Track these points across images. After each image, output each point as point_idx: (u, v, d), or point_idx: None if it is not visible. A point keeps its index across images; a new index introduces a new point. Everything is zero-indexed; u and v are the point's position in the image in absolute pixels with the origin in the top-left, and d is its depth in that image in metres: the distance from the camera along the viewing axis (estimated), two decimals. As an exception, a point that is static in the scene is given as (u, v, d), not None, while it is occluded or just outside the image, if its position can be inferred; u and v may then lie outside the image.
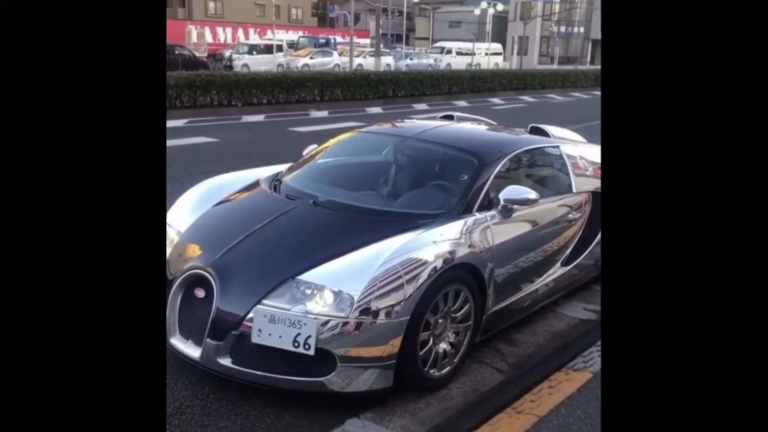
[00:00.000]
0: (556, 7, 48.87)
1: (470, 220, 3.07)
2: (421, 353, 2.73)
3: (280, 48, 29.23)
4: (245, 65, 25.71)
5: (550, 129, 4.37)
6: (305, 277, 2.63)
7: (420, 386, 2.82)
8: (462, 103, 17.87)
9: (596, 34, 52.87)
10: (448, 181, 3.49)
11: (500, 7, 40.48)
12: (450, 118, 4.66)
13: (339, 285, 2.57)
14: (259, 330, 2.51)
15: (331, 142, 4.15)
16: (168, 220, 3.35)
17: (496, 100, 19.45)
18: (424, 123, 4.26)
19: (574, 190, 3.88)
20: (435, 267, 2.69)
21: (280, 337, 2.49)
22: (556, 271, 3.71)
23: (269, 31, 32.45)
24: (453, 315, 2.87)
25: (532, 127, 4.39)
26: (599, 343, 3.30)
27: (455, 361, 2.94)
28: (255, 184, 3.67)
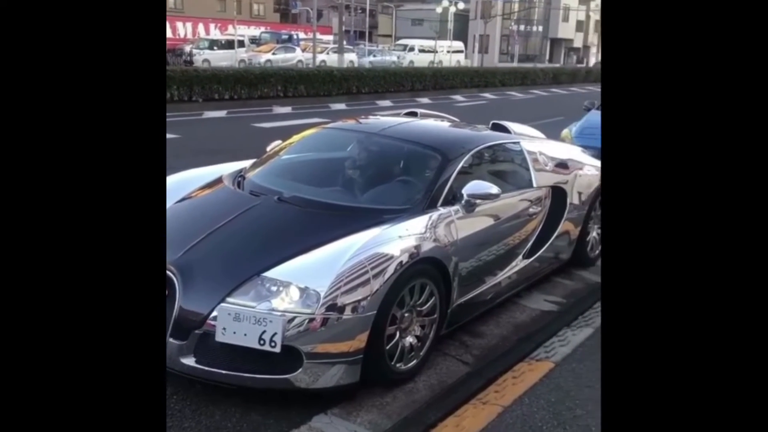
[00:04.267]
0: (516, 6, 49.48)
1: (435, 214, 3.10)
2: (387, 347, 2.74)
3: (241, 43, 28.89)
4: (206, 61, 25.34)
5: (511, 125, 4.44)
6: (271, 273, 2.61)
7: (387, 380, 2.83)
8: (425, 100, 17.97)
9: (554, 33, 53.77)
10: (413, 177, 3.51)
11: (461, 5, 40.81)
12: (413, 114, 4.69)
13: (305, 281, 2.57)
14: (224, 328, 2.49)
15: (296, 138, 4.13)
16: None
17: (458, 98, 19.61)
18: (388, 119, 4.28)
19: (534, 185, 3.95)
20: (401, 261, 2.71)
21: (245, 335, 2.47)
22: (518, 263, 3.77)
23: (230, 27, 32.03)
24: (419, 309, 2.90)
25: (493, 124, 4.46)
26: (560, 333, 3.38)
27: (421, 354, 2.97)
28: (218, 181, 3.63)
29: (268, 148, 4.12)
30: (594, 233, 4.63)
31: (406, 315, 2.84)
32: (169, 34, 33.12)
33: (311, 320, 2.49)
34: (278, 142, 4.20)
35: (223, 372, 2.55)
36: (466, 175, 3.45)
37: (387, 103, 16.76)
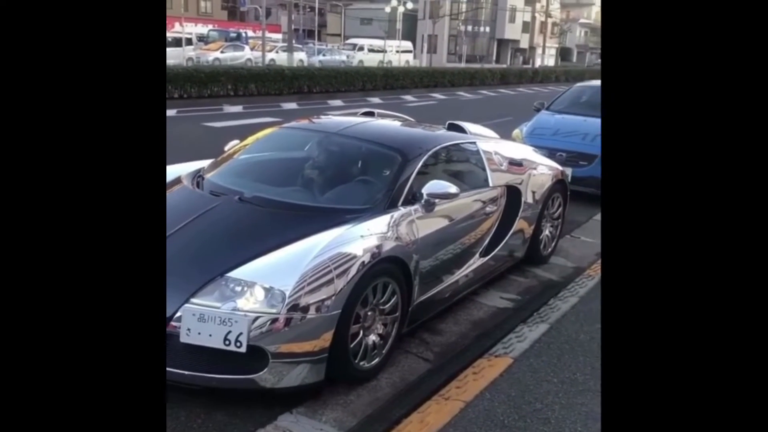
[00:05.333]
0: (463, 7, 50.15)
1: (396, 214, 3.15)
2: (351, 346, 2.77)
3: (189, 41, 28.33)
4: (151, 58, 24.70)
5: (467, 126, 4.53)
6: (235, 274, 2.61)
7: (351, 378, 2.86)
8: (376, 100, 18.02)
9: (501, 33, 54.73)
10: (373, 177, 3.55)
11: (410, 5, 41.03)
12: (371, 114, 4.72)
13: (270, 281, 2.57)
14: (188, 329, 2.47)
15: (254, 137, 4.11)
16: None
17: (408, 97, 19.74)
18: (347, 119, 4.30)
19: (490, 184, 4.04)
20: (364, 261, 2.74)
21: (210, 335, 2.46)
22: (475, 262, 3.86)
23: (177, 24, 31.37)
24: (381, 307, 2.94)
25: (449, 124, 4.54)
26: (517, 329, 3.47)
27: (384, 352, 3.00)
28: (176, 181, 3.59)
29: (226, 148, 4.08)
30: (547, 231, 4.76)
31: (369, 314, 2.88)
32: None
33: (277, 320, 2.50)
34: (236, 141, 4.17)
35: (187, 373, 2.53)
36: (425, 174, 3.51)
37: (338, 102, 16.74)
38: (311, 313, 2.56)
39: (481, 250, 3.92)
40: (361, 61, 33.67)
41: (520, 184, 4.32)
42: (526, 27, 57.81)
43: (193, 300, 2.54)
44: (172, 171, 3.79)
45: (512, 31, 56.00)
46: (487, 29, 54.27)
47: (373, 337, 2.93)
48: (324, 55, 33.90)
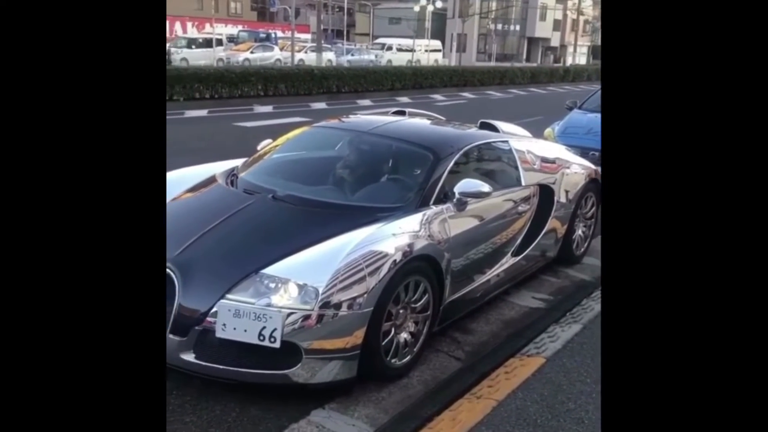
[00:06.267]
0: (493, 5, 49.81)
1: (428, 212, 3.15)
2: (383, 343, 2.79)
3: (219, 42, 28.72)
4: (184, 59, 25.17)
5: (499, 124, 4.51)
6: (269, 270, 2.64)
7: (382, 376, 2.87)
8: (405, 99, 18.02)
9: (531, 32, 54.17)
10: (405, 175, 3.56)
11: (439, 4, 40.94)
12: (402, 113, 4.73)
13: (303, 278, 2.60)
14: (224, 324, 2.51)
15: (286, 137, 4.15)
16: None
17: (437, 97, 19.69)
18: (378, 118, 4.32)
19: (522, 183, 4.01)
20: (395, 259, 2.74)
21: (245, 330, 2.49)
22: (507, 261, 3.84)
23: (208, 25, 31.82)
24: (413, 305, 2.94)
25: (481, 123, 4.53)
26: (549, 329, 3.45)
27: (415, 350, 3.01)
28: (211, 180, 3.64)
29: (259, 147, 4.13)
30: (579, 231, 4.71)
31: (401, 312, 2.89)
32: (145, 31, 32.73)
33: (310, 316, 2.53)
34: (268, 141, 4.22)
35: (222, 367, 2.57)
36: (457, 173, 3.51)
37: (367, 102, 16.79)
38: (344, 310, 2.58)
39: (513, 249, 3.90)
40: (389, 61, 33.68)
41: (553, 183, 4.28)
42: (557, 25, 57.08)
43: (229, 296, 2.58)
44: (207, 170, 3.85)
45: (543, 30, 55.34)
46: (518, 27, 53.75)
47: (404, 335, 2.94)
48: (352, 54, 34.03)
